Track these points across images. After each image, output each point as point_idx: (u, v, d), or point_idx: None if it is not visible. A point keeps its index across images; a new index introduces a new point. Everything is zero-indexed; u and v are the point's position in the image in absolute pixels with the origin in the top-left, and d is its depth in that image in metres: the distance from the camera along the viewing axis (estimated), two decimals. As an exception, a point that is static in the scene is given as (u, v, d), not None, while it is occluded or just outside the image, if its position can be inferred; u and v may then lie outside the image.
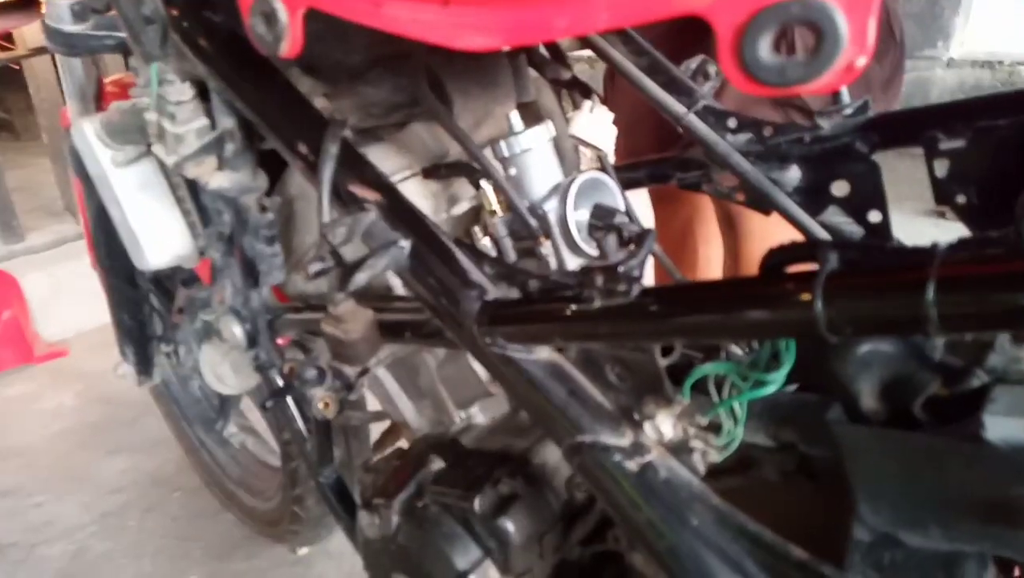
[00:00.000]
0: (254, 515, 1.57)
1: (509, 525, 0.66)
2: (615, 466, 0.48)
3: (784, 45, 0.35)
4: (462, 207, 0.79)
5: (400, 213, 0.56)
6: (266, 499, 1.52)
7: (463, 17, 0.43)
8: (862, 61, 0.33)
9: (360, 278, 0.52)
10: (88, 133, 0.81)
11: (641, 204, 1.38)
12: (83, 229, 1.24)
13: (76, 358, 2.36)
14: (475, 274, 0.53)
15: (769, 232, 1.19)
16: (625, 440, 0.48)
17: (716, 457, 0.46)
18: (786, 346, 0.43)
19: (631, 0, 0.37)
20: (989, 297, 0.32)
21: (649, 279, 1.06)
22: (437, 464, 0.74)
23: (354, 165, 0.58)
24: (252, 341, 0.83)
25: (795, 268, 0.41)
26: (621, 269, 0.44)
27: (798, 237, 1.14)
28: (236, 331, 0.81)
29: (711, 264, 1.38)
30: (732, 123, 0.75)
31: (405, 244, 0.54)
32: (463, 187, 0.79)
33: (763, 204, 0.75)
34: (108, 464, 1.89)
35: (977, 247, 0.33)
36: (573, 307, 0.46)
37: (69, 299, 2.43)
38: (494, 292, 0.53)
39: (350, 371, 0.67)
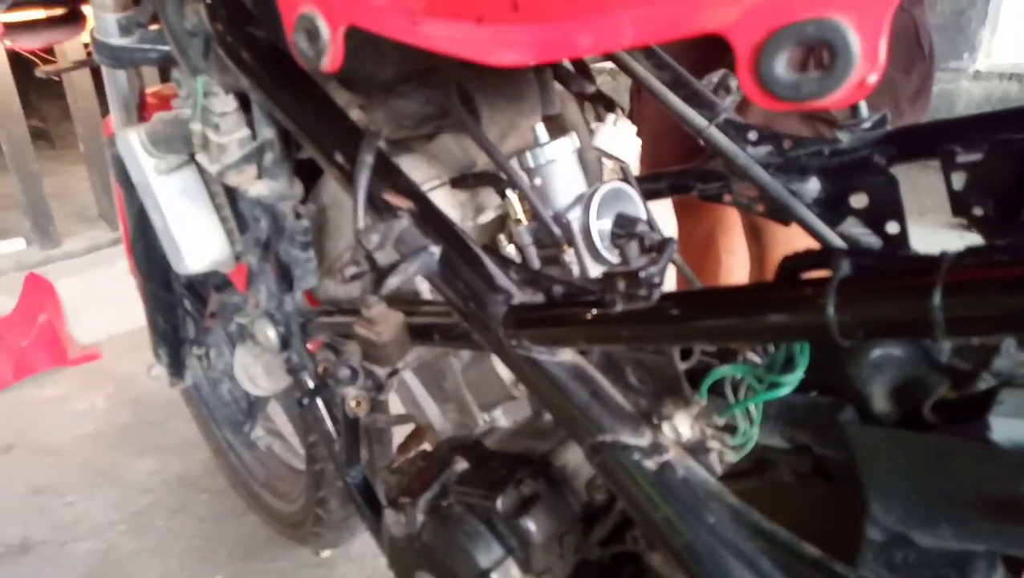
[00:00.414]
0: (278, 517, 1.60)
1: (531, 525, 0.68)
2: (634, 465, 0.50)
3: (812, 60, 0.37)
4: (488, 216, 0.82)
5: (431, 220, 0.59)
6: (290, 501, 1.55)
7: (496, 34, 0.45)
8: (873, 78, 0.35)
9: (392, 282, 0.55)
10: (133, 142, 0.85)
11: (664, 215, 1.41)
12: (121, 235, 1.28)
13: (108, 361, 2.43)
14: (502, 279, 0.56)
15: (794, 242, 1.21)
16: (644, 440, 0.50)
17: (732, 457, 0.48)
18: (800, 349, 0.44)
19: (655, 19, 0.39)
20: (994, 302, 0.34)
21: (671, 289, 1.08)
22: (461, 465, 0.76)
23: (388, 174, 0.60)
24: (285, 344, 0.86)
25: (811, 274, 0.43)
26: (642, 275, 0.46)
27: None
28: (270, 334, 0.85)
29: (733, 274, 1.39)
30: (752, 136, 0.77)
31: (435, 250, 0.57)
32: (489, 196, 0.81)
33: (782, 215, 0.77)
34: (137, 465, 1.93)
35: (984, 254, 0.35)
36: (596, 311, 0.48)
37: (102, 303, 2.50)
38: (520, 296, 0.55)
39: (380, 372, 0.70)
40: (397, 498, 0.78)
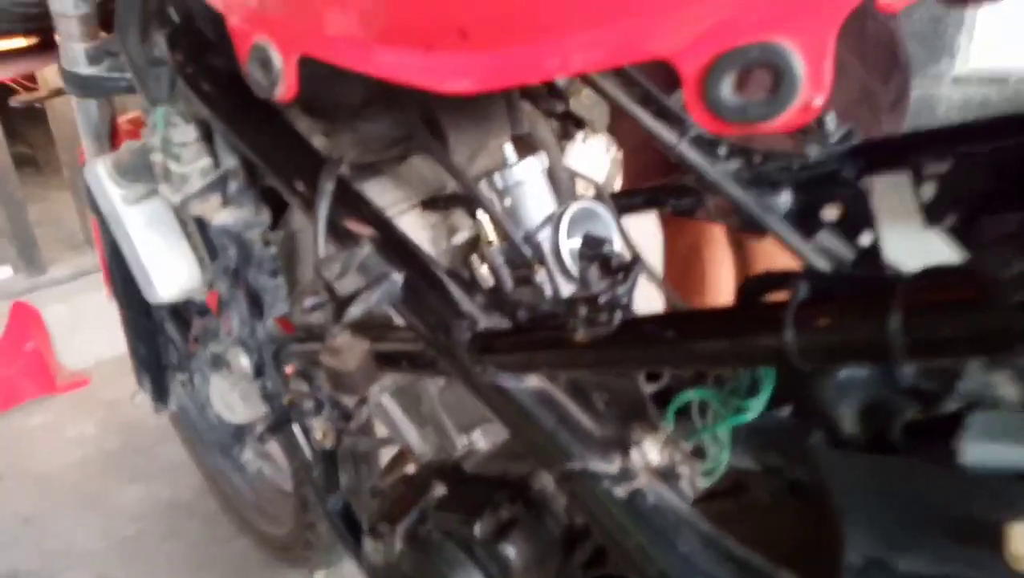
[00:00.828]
0: (268, 540, 1.58)
1: (509, 550, 0.67)
2: (604, 493, 0.49)
3: (758, 84, 0.36)
4: (462, 237, 0.81)
5: (393, 246, 0.58)
6: (280, 524, 1.54)
7: (445, 62, 0.45)
8: (819, 101, 0.34)
9: (354, 311, 0.54)
10: (100, 172, 0.84)
11: (650, 227, 1.40)
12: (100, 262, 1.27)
13: (97, 387, 2.41)
14: (466, 304, 0.55)
15: (777, 253, 1.20)
16: (614, 466, 0.49)
17: (703, 482, 0.47)
18: (765, 373, 0.44)
19: (601, 46, 0.39)
20: (952, 324, 0.33)
21: (659, 304, 1.07)
22: (440, 490, 0.75)
23: (349, 201, 0.60)
24: (259, 371, 0.85)
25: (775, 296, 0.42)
26: (604, 299, 0.45)
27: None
28: (243, 362, 0.84)
29: (719, 286, 1.38)
30: (722, 151, 0.77)
31: (398, 277, 0.56)
32: (462, 217, 0.80)
33: (756, 228, 0.76)
34: (127, 491, 1.92)
35: (941, 276, 0.34)
36: (559, 337, 0.48)
37: (90, 329, 2.48)
38: (485, 322, 0.54)
39: (348, 401, 0.69)
40: (375, 525, 0.76)
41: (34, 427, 2.25)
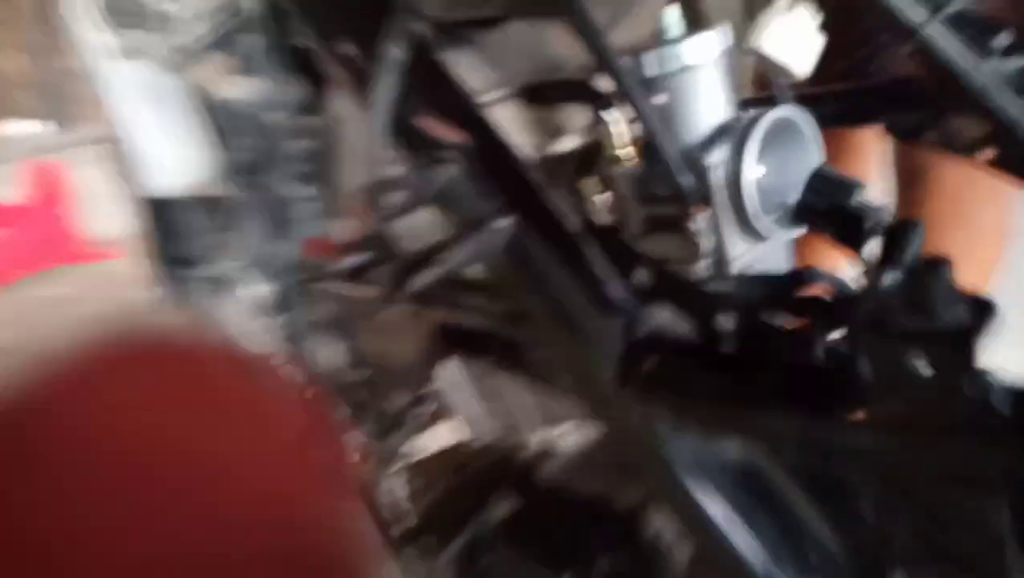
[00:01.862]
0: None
1: (612, 619, 0.47)
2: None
3: None
4: (567, 145, 0.56)
5: (500, 167, 0.34)
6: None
7: None
8: None
9: (424, 277, 0.31)
10: (79, 8, 0.60)
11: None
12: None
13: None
14: (616, 289, 0.31)
15: (965, 191, 0.92)
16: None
17: None
18: None
19: None
20: None
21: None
22: (504, 505, 0.54)
23: (431, 83, 0.35)
24: (282, 305, 0.63)
25: None
26: (959, 339, 0.21)
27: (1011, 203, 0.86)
28: (259, 291, 0.62)
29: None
30: (1001, 40, 0.49)
31: (504, 223, 0.32)
32: (572, 117, 0.55)
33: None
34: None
35: None
36: (834, 390, 0.24)
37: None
38: (650, 321, 0.30)
39: (397, 400, 0.46)
40: (416, 534, 0.56)
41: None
